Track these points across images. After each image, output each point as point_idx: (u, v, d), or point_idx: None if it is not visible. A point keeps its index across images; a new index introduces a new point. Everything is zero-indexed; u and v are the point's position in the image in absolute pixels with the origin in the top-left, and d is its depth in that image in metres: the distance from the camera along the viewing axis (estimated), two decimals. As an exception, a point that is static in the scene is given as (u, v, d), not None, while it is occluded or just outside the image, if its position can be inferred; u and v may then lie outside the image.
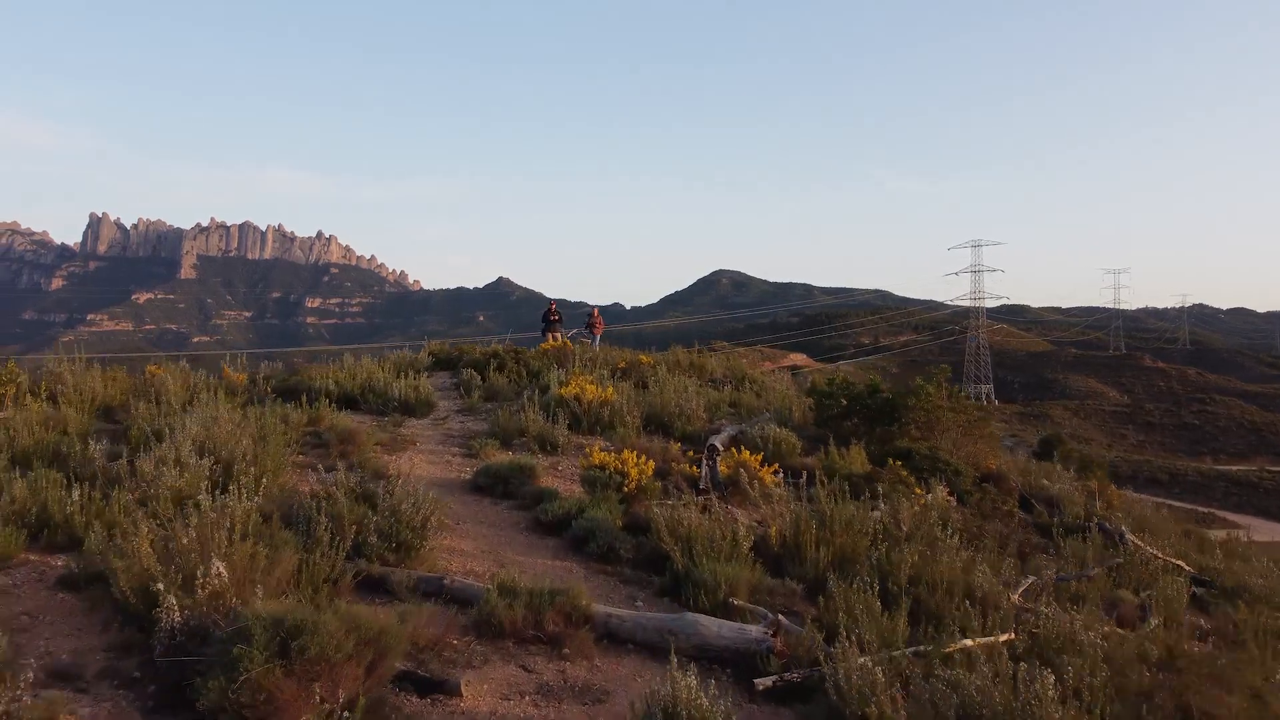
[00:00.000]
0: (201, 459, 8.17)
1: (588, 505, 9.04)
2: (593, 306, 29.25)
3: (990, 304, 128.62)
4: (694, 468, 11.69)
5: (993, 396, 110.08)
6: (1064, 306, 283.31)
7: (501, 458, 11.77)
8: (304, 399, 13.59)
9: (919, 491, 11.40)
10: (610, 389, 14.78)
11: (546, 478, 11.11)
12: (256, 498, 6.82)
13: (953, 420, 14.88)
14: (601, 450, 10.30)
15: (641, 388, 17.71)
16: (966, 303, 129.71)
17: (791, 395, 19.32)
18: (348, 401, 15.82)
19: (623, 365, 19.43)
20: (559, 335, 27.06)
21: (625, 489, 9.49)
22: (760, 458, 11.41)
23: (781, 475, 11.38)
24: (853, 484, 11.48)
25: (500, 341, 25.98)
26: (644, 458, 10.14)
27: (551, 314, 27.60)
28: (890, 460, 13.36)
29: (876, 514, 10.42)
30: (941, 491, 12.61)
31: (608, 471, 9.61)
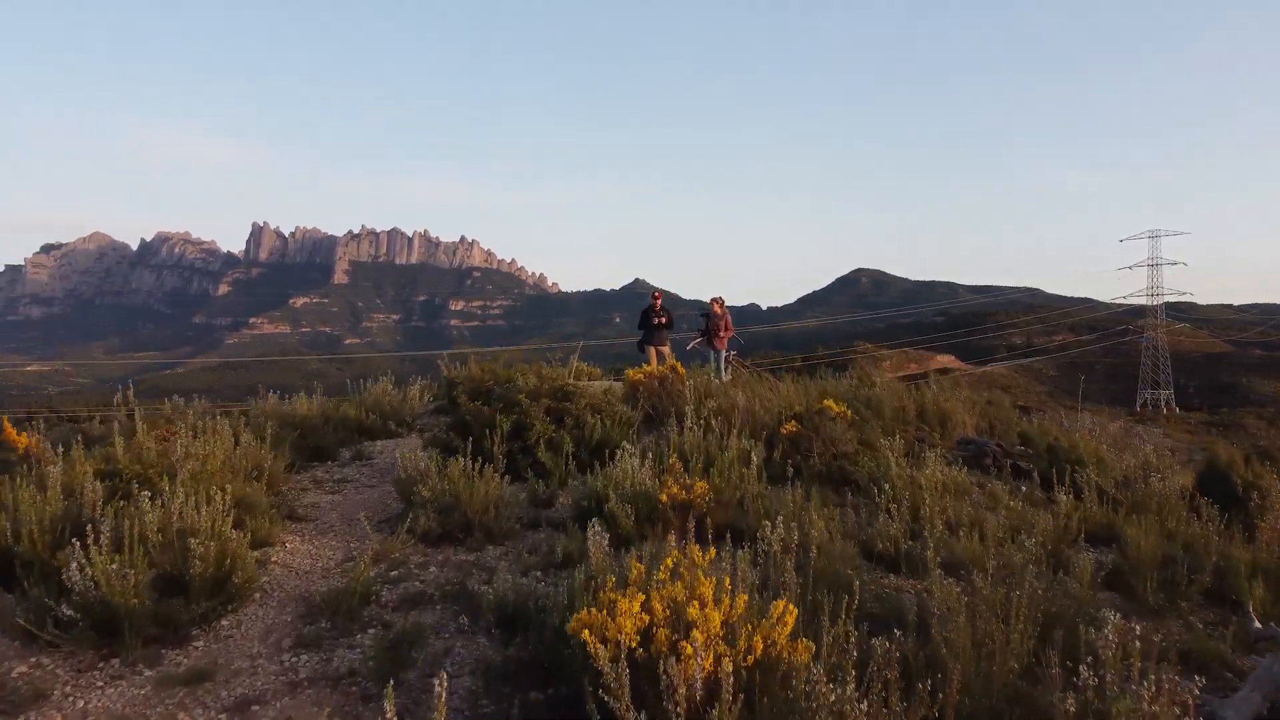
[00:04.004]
0: None
1: None
2: (713, 298, 16.80)
3: (1162, 300, 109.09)
4: None
5: (1173, 403, 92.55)
6: (1237, 304, 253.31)
7: None
8: None
9: None
10: (738, 601, 4.00)
11: None
12: None
13: None
14: None
15: (845, 489, 6.94)
16: (1138, 300, 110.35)
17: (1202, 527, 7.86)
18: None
19: (791, 430, 8.53)
20: (665, 348, 16.33)
21: None
22: None
23: None
24: None
25: (577, 358, 15.41)
26: None
27: (655, 312, 16.49)
28: None
29: None
30: None
31: None
